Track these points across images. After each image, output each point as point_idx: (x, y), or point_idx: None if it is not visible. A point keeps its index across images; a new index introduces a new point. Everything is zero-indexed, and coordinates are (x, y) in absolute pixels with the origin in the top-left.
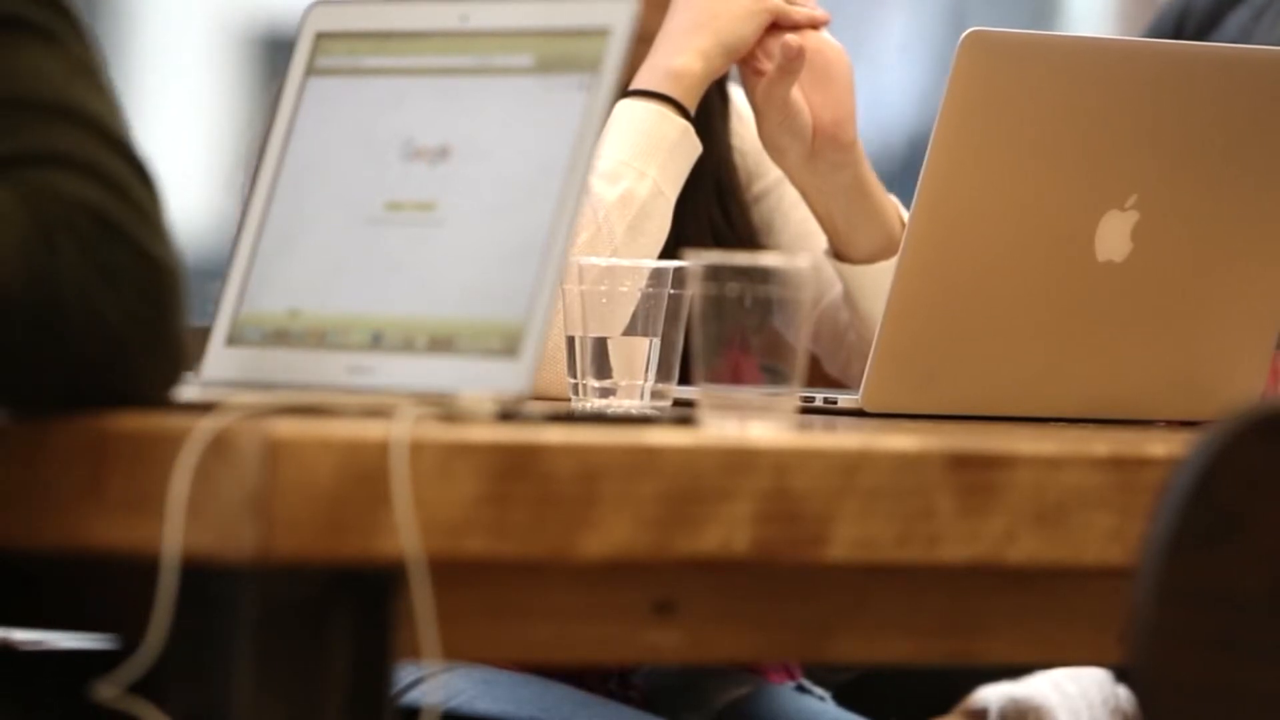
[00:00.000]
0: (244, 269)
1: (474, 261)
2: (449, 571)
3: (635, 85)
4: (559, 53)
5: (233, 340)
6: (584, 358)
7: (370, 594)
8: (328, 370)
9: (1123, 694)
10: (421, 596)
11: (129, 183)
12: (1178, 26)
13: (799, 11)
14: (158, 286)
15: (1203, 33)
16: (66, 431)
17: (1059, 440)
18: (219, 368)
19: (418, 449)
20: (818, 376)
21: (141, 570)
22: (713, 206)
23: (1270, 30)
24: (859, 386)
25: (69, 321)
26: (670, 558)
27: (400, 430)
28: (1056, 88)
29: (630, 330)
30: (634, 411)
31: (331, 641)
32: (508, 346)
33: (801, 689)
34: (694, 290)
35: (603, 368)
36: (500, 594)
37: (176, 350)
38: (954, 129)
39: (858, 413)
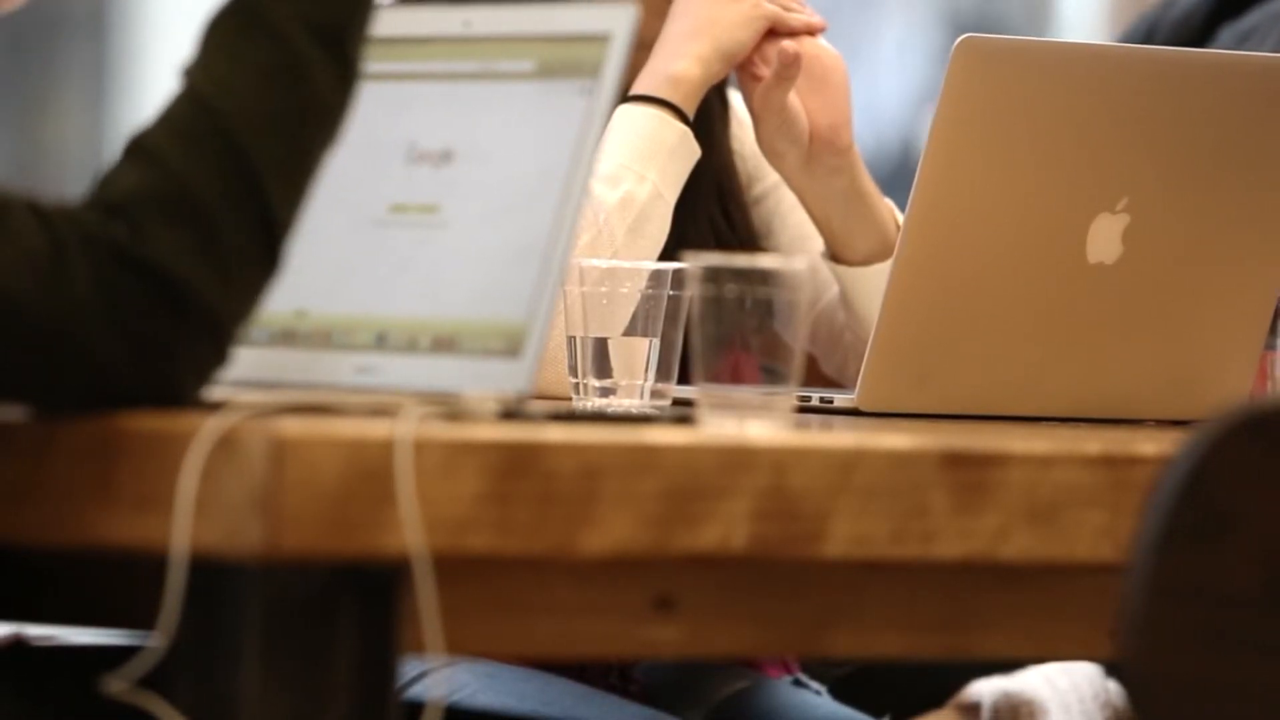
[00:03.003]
0: None
1: (477, 263)
2: (452, 568)
3: (635, 90)
4: (560, 58)
5: (240, 340)
6: (585, 358)
7: (375, 590)
8: (333, 370)
9: (1113, 688)
10: (425, 592)
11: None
12: (1145, 43)
13: (796, 18)
14: (168, 315)
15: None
16: (76, 430)
17: (1051, 439)
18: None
19: (422, 447)
20: (814, 376)
21: (150, 567)
22: (714, 209)
23: (1258, 50)
24: (855, 386)
25: (72, 332)
26: (670, 554)
27: (404, 429)
28: (1049, 93)
29: (630, 331)
30: (634, 411)
31: (337, 636)
32: (510, 347)
33: (798, 683)
34: (693, 291)
35: (603, 368)
36: (503, 590)
37: (171, 373)
38: (948, 133)
39: (854, 412)
